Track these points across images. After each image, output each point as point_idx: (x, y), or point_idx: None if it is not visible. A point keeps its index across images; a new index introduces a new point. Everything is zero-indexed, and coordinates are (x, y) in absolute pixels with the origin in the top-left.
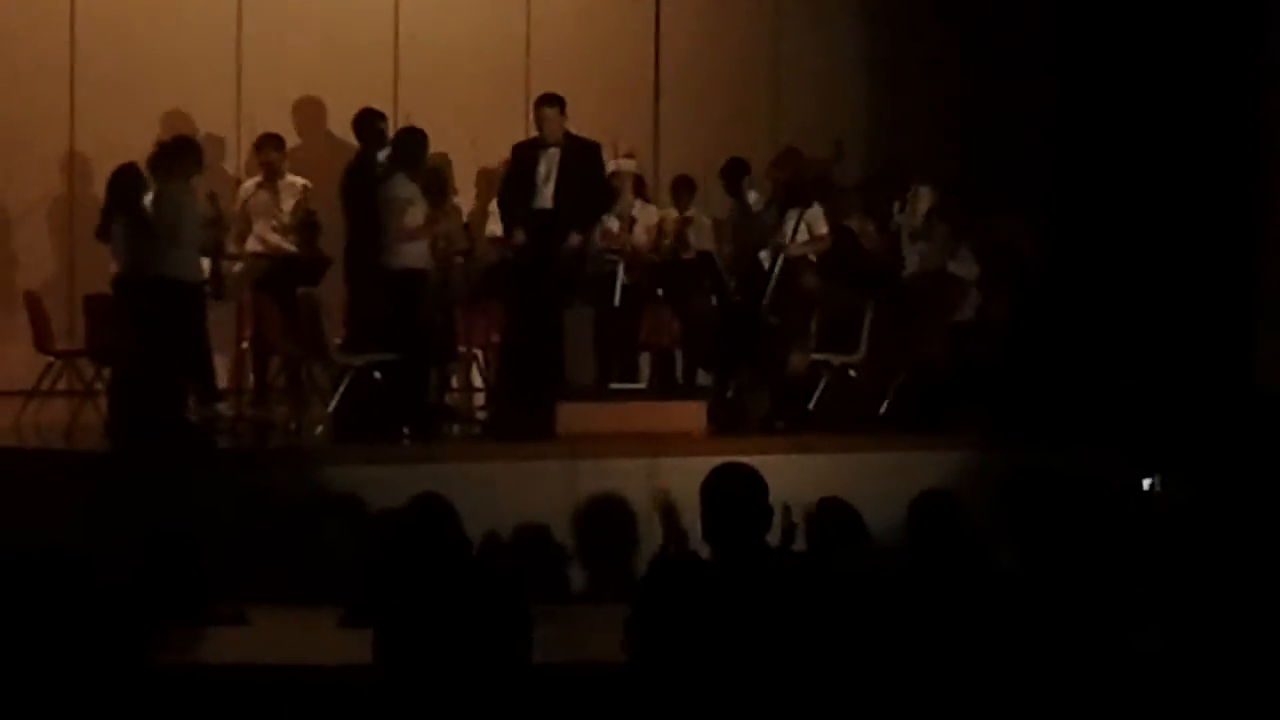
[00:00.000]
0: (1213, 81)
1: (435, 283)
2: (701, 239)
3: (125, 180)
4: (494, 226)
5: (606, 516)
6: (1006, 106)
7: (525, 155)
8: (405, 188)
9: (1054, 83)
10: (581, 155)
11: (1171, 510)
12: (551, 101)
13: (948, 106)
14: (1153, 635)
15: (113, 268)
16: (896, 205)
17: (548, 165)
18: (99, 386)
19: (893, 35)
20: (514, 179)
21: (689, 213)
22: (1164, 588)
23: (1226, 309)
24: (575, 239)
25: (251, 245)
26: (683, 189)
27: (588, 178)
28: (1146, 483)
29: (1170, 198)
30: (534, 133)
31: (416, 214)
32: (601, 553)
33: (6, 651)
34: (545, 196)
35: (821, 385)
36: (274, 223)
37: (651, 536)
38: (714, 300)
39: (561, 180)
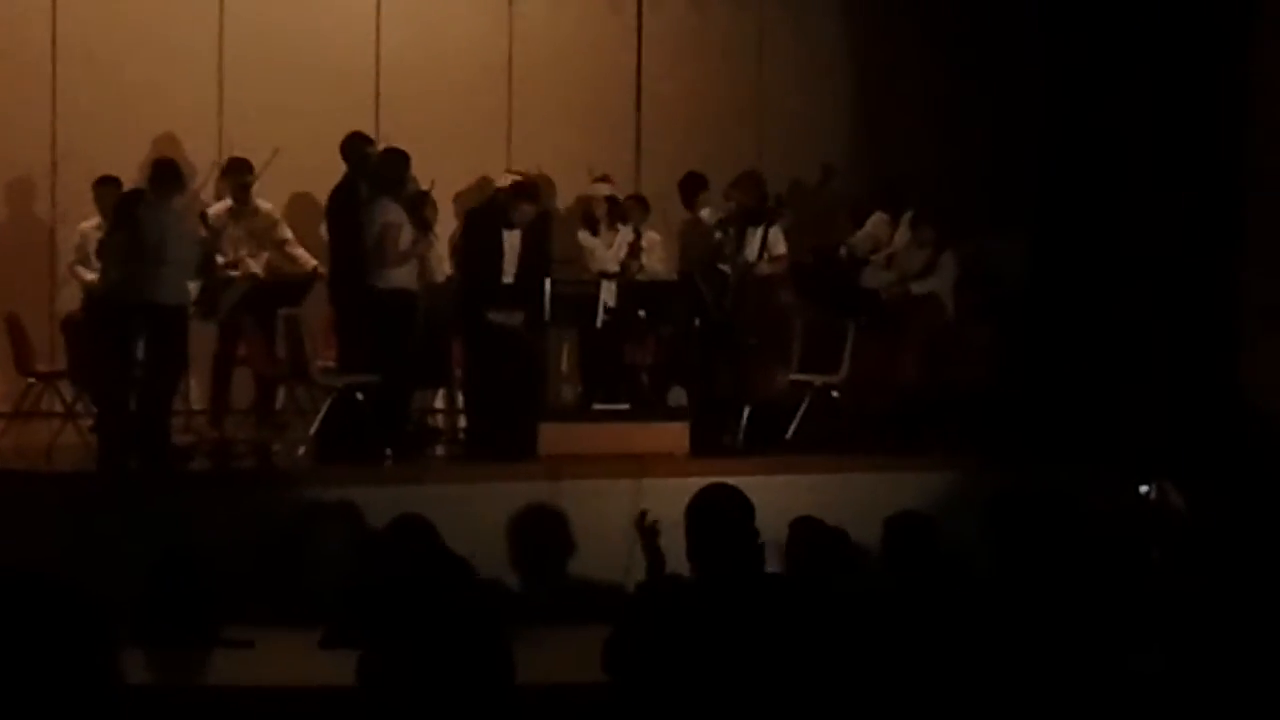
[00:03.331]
0: (1201, 97)
1: (425, 305)
2: (652, 258)
3: (128, 203)
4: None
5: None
6: (993, 126)
7: (488, 232)
8: (393, 211)
9: (1041, 100)
10: (536, 230)
11: (1162, 528)
12: (534, 199)
13: (933, 127)
14: (1146, 657)
15: (90, 278)
16: (885, 221)
17: (511, 246)
18: (80, 408)
19: (877, 54)
20: (484, 254)
21: (636, 232)
22: (1154, 608)
23: (1214, 326)
24: (517, 317)
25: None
26: (635, 208)
27: (540, 253)
28: (1143, 489)
29: (1156, 213)
30: (514, 155)
31: (405, 236)
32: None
33: None
34: (509, 273)
35: (804, 406)
36: (245, 246)
37: (634, 557)
38: (696, 321)
39: (521, 260)
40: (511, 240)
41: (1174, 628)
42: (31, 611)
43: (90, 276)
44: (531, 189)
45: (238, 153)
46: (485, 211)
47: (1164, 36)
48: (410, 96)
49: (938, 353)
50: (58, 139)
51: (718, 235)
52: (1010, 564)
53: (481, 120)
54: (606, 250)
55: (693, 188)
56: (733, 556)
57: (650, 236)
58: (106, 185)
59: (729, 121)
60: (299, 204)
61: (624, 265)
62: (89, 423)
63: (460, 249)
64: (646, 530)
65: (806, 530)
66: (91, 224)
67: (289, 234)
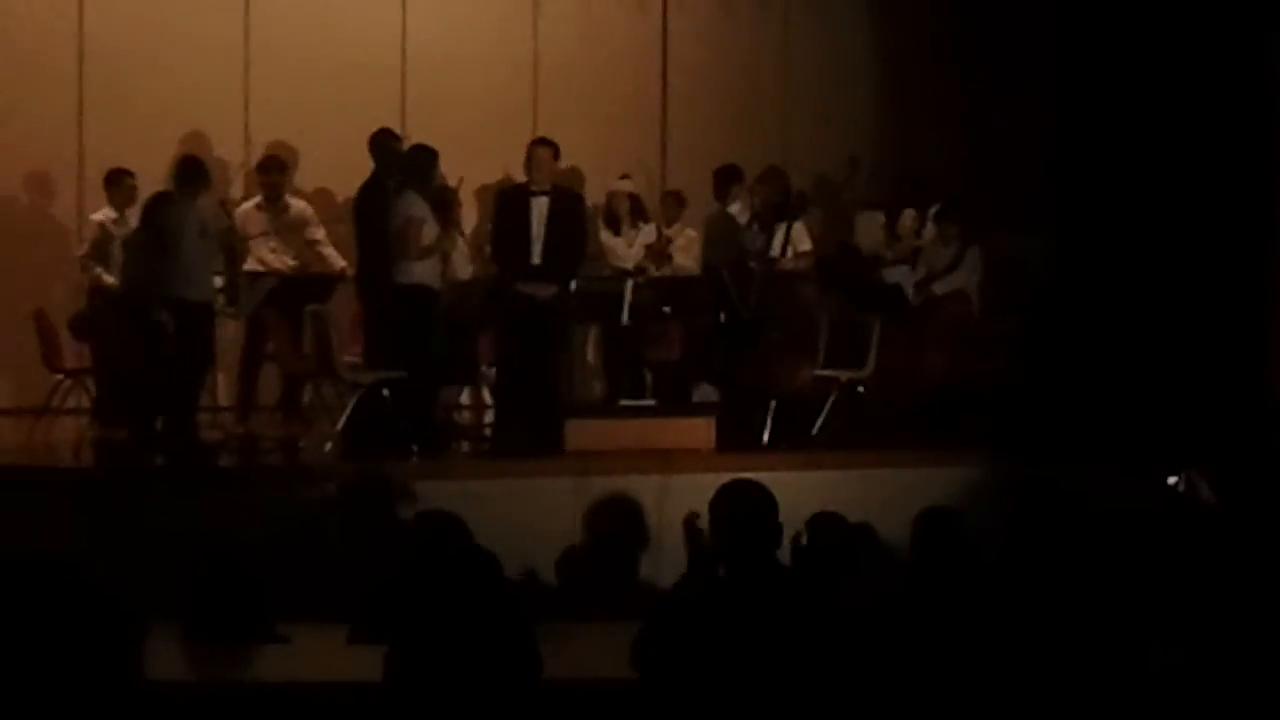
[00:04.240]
0: (1229, 91)
1: (450, 301)
2: (688, 256)
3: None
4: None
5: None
6: (1016, 121)
7: (515, 205)
8: (419, 206)
9: (1063, 94)
10: (567, 206)
11: (1191, 520)
12: (546, 144)
13: (957, 123)
14: (1166, 651)
15: (108, 281)
16: (912, 217)
17: (539, 216)
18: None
19: (902, 50)
20: (508, 232)
21: (670, 229)
22: (1176, 603)
23: (1239, 322)
24: (548, 290)
25: (249, 265)
26: (670, 205)
27: (572, 230)
28: (1172, 480)
29: (1181, 209)
30: None
31: (429, 232)
32: (610, 570)
33: (14, 667)
34: (537, 252)
35: (829, 401)
36: (272, 243)
37: (659, 553)
38: (722, 317)
39: (550, 234)
40: (539, 209)
41: (1202, 621)
42: (48, 599)
43: (109, 279)
44: (547, 139)
45: (265, 151)
46: (511, 189)
47: (1191, 31)
48: (436, 94)
49: (963, 348)
50: (84, 137)
51: (755, 229)
52: (1036, 557)
53: (507, 118)
54: (628, 249)
55: (726, 179)
56: (757, 552)
57: (688, 234)
58: (118, 177)
59: (754, 118)
60: (325, 201)
61: (639, 266)
62: (114, 421)
63: (491, 228)
64: (694, 531)
65: (824, 526)
66: (105, 216)
67: (321, 234)
